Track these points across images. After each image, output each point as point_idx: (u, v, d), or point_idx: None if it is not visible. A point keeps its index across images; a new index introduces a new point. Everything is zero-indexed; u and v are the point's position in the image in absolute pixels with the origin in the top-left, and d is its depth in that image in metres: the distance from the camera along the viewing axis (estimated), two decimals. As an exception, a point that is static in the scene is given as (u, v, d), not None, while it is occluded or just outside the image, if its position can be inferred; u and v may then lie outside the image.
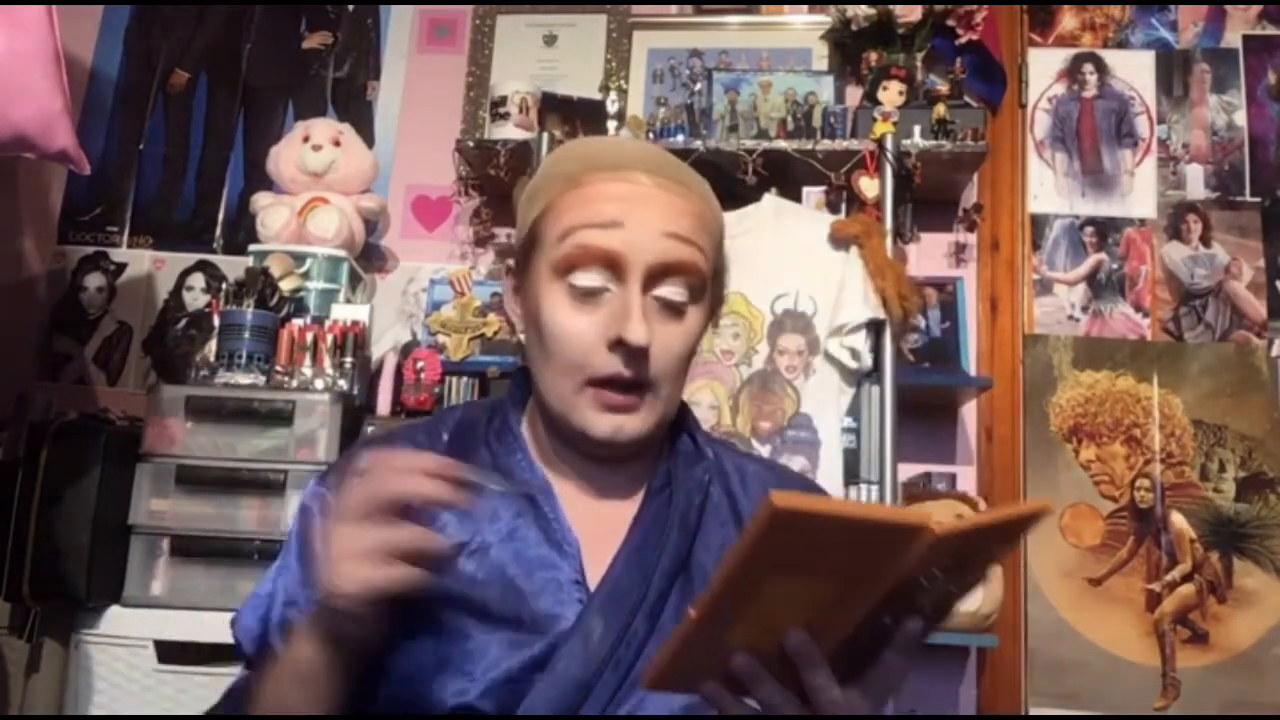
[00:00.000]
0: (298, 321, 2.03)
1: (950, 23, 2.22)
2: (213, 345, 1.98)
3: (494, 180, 2.17)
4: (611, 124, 2.16)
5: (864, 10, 2.21)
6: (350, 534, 0.65)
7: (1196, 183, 2.25)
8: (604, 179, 0.80)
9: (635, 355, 0.76)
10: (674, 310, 0.79)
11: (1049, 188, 2.29)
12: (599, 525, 0.81)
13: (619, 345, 0.76)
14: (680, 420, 0.89)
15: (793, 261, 1.93)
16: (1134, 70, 2.32)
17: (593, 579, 0.78)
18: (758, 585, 0.58)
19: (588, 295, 0.77)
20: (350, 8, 2.58)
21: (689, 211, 0.81)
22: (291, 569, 0.83)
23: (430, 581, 0.66)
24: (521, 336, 0.86)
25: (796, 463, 1.86)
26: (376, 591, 0.64)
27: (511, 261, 0.87)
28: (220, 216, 2.49)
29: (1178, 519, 2.09)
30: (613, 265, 0.77)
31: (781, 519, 0.53)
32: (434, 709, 0.73)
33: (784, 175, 2.06)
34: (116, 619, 1.82)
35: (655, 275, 0.78)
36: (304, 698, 0.71)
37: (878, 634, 0.63)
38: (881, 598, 0.60)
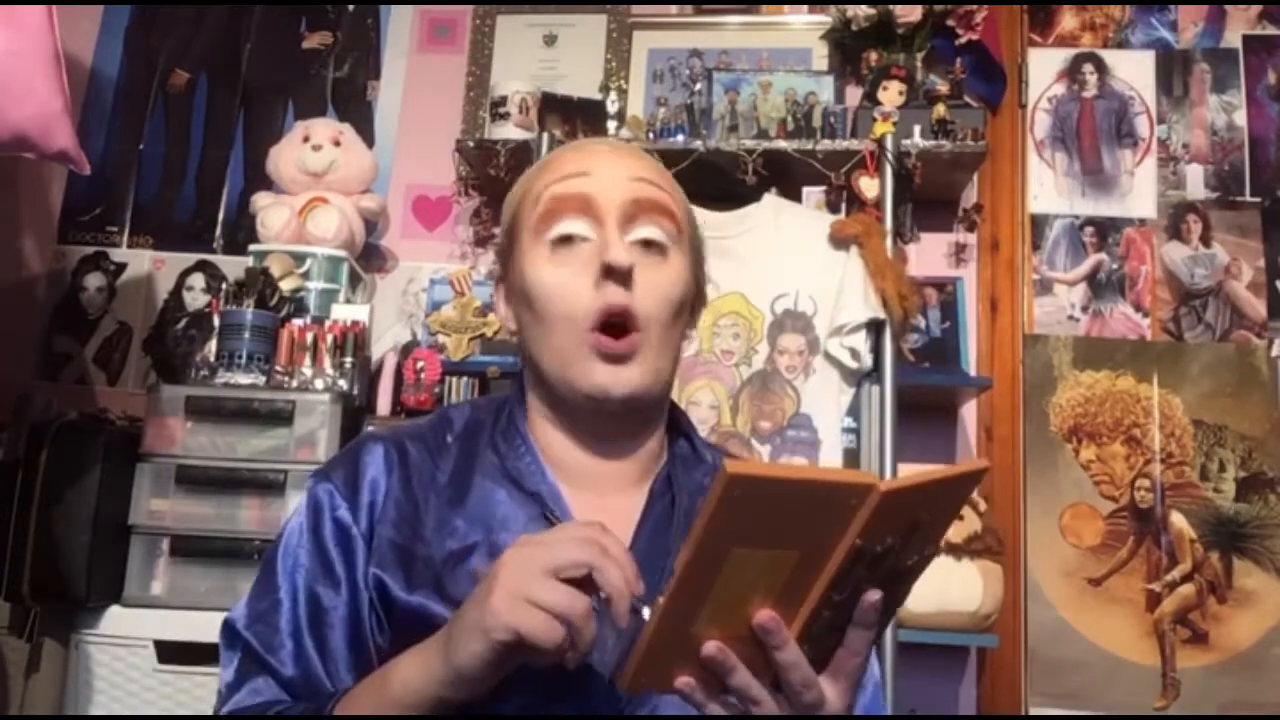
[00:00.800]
0: (298, 321, 2.03)
1: (950, 23, 2.22)
2: (213, 345, 1.98)
3: (494, 180, 2.17)
4: (611, 124, 2.17)
5: (864, 10, 2.21)
6: (541, 580, 0.63)
7: (1196, 183, 2.25)
8: (568, 152, 0.85)
9: (622, 280, 0.78)
10: (656, 249, 0.81)
11: (1049, 188, 2.29)
12: None
13: (605, 275, 0.77)
14: (678, 424, 0.90)
15: (793, 261, 1.93)
16: (1134, 70, 2.32)
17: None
18: (721, 560, 0.59)
19: (566, 242, 0.79)
20: (350, 8, 2.58)
21: (652, 166, 0.85)
22: (306, 567, 0.80)
23: (555, 658, 0.64)
24: (515, 337, 0.87)
25: (796, 463, 1.86)
26: (529, 637, 0.62)
27: (498, 268, 0.89)
28: (220, 216, 2.49)
29: (1178, 519, 2.10)
30: (586, 210, 0.79)
31: (737, 485, 0.55)
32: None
33: (784, 175, 2.06)
34: (116, 619, 1.82)
35: (629, 215, 0.80)
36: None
37: (840, 613, 0.64)
38: (839, 568, 0.61)
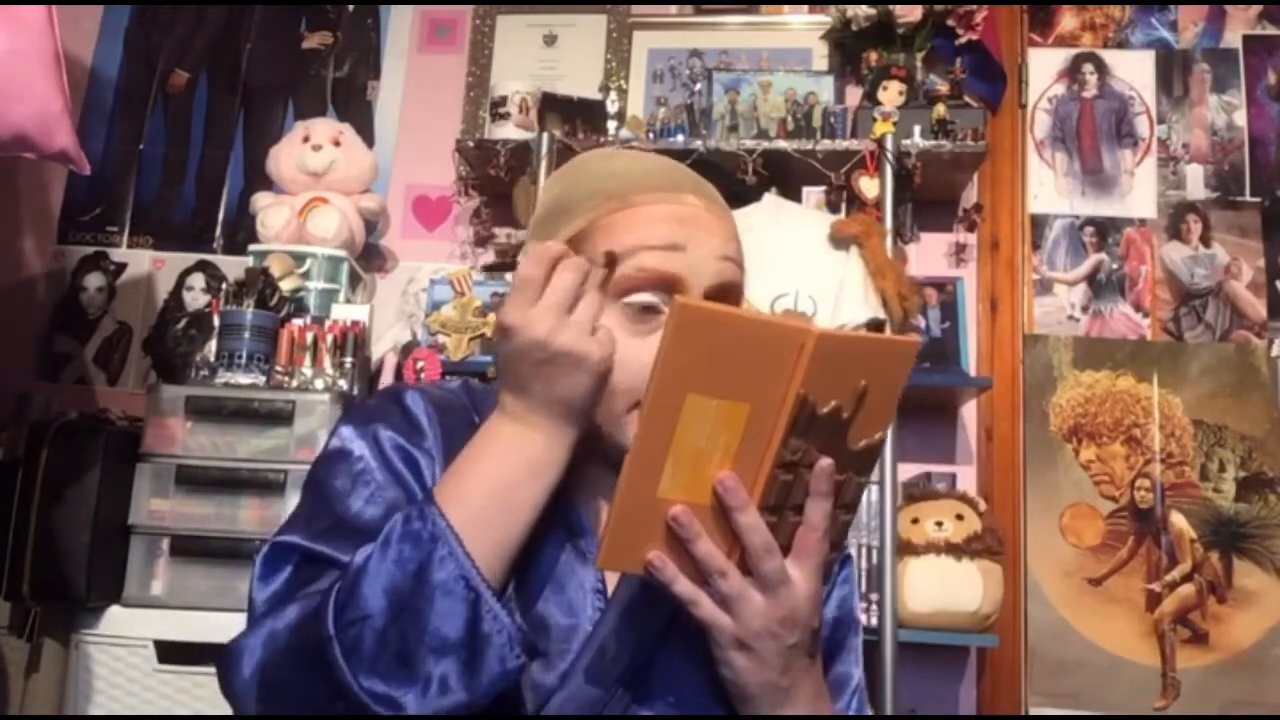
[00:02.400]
0: (298, 321, 2.03)
1: (950, 23, 2.22)
2: (213, 345, 1.98)
3: (494, 180, 2.17)
4: (611, 124, 2.17)
5: (864, 10, 2.21)
6: (574, 311, 0.69)
7: (1196, 183, 2.25)
8: (656, 199, 0.78)
9: None
10: None
11: (1049, 188, 2.29)
12: None
13: None
14: None
15: (793, 261, 1.93)
16: (1134, 70, 2.32)
17: (609, 583, 0.78)
18: (678, 406, 0.63)
19: (644, 313, 0.74)
20: (350, 8, 2.58)
21: (734, 235, 0.82)
22: (390, 483, 0.75)
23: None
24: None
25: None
26: (610, 360, 0.69)
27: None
28: (220, 216, 2.49)
29: (1178, 519, 2.10)
30: (671, 287, 0.75)
31: (687, 316, 0.61)
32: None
33: (784, 175, 2.06)
34: (116, 619, 1.82)
35: (710, 297, 0.76)
36: (539, 492, 0.70)
37: (798, 486, 0.66)
38: (788, 422, 0.63)
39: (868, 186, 1.98)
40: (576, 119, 2.16)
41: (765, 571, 0.66)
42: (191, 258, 2.47)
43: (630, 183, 0.79)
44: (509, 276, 2.12)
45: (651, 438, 0.63)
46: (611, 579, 0.77)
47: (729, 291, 0.78)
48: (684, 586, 0.67)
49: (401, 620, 0.64)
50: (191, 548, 1.84)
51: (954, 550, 1.82)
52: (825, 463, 0.66)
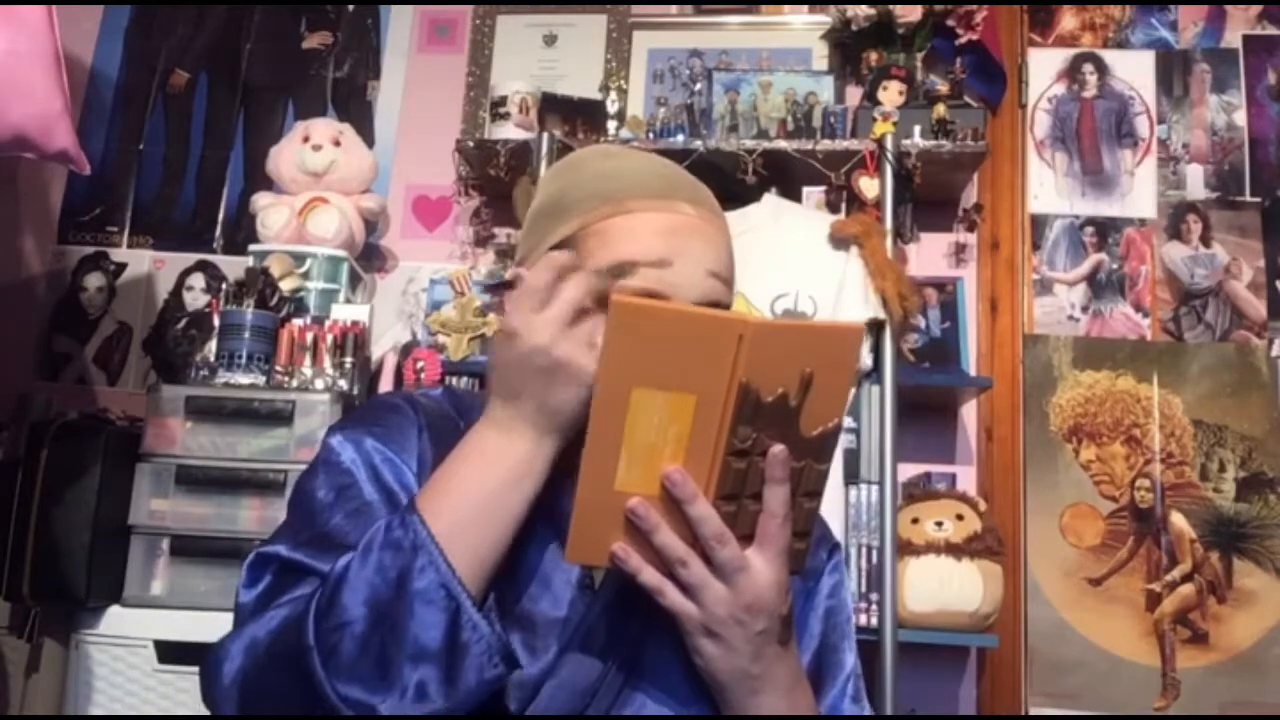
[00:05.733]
0: (298, 321, 2.03)
1: (950, 23, 2.22)
2: (213, 345, 1.98)
3: (494, 180, 2.17)
4: (611, 124, 2.17)
5: (864, 10, 2.21)
6: (576, 325, 0.69)
7: (1196, 183, 2.25)
8: (650, 207, 0.77)
9: None
10: None
11: (1049, 188, 2.29)
12: None
13: None
14: None
15: (793, 261, 1.93)
16: (1134, 70, 2.32)
17: (596, 576, 0.79)
18: (625, 400, 0.65)
19: None
20: (350, 8, 2.58)
21: (725, 246, 0.81)
22: (375, 494, 0.76)
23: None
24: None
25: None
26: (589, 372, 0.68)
27: (517, 269, 0.84)
28: (220, 216, 2.49)
29: (1178, 519, 2.10)
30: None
31: (624, 313, 0.63)
32: None
33: (784, 175, 2.06)
34: (116, 619, 1.82)
35: None
36: (521, 498, 0.70)
37: (753, 474, 0.68)
38: (734, 410, 0.65)
39: (868, 186, 1.98)
40: (576, 119, 2.16)
41: (721, 560, 0.67)
42: (191, 258, 2.47)
43: (626, 186, 0.79)
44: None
45: (603, 432, 0.66)
46: (598, 571, 0.78)
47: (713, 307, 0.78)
48: (649, 576, 0.68)
49: (381, 628, 0.65)
50: (191, 548, 1.84)
51: (954, 550, 1.82)
52: (778, 449, 0.67)
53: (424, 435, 0.80)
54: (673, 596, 0.69)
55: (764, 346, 0.65)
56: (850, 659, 0.87)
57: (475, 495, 0.69)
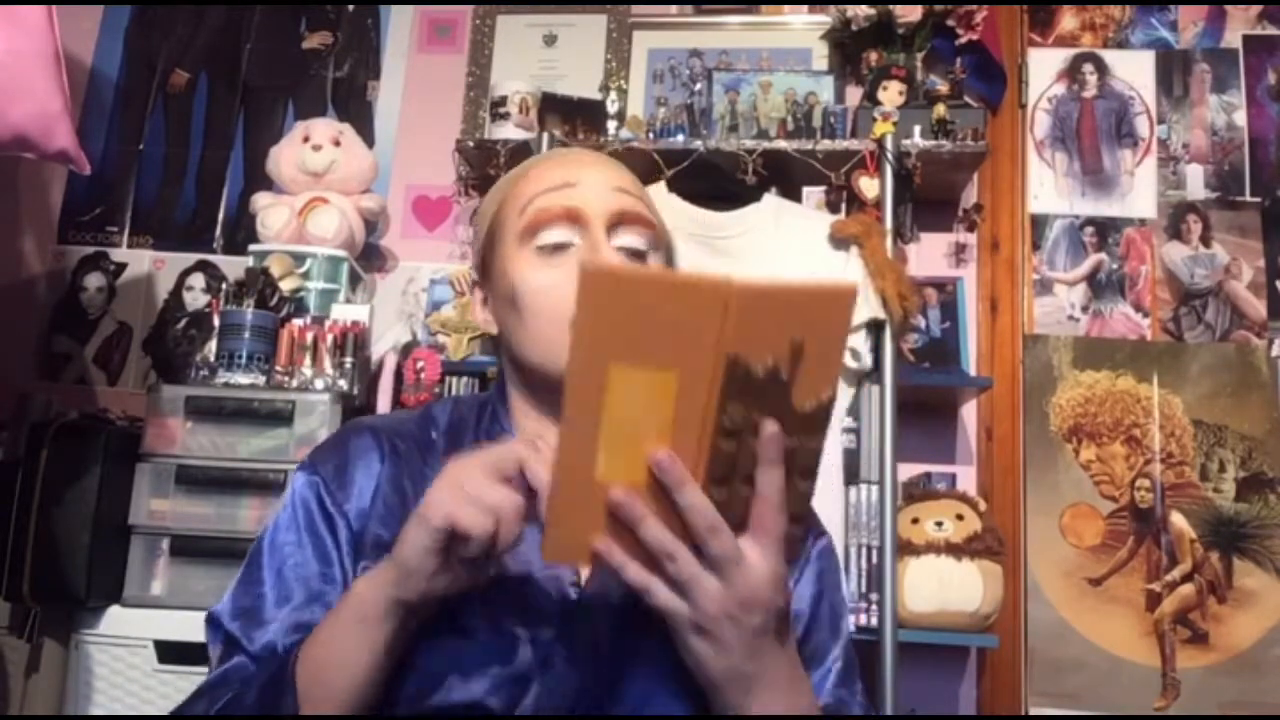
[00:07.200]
0: (298, 321, 2.03)
1: (950, 23, 2.22)
2: (213, 345, 1.98)
3: (494, 180, 2.15)
4: (611, 124, 2.16)
5: (864, 10, 2.21)
6: (479, 476, 0.66)
7: (1196, 183, 2.25)
8: (549, 161, 0.88)
9: None
10: (637, 257, 0.84)
11: (1049, 188, 2.29)
12: None
13: None
14: None
15: (793, 262, 1.93)
16: (1134, 70, 2.32)
17: (584, 575, 0.79)
18: (602, 380, 0.59)
19: (555, 250, 0.81)
20: (350, 8, 2.58)
21: (630, 177, 0.88)
22: (295, 561, 0.82)
23: (489, 564, 0.69)
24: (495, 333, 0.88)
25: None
26: (460, 524, 0.64)
27: (476, 275, 0.91)
28: (220, 216, 2.49)
29: (1178, 519, 2.10)
30: (574, 219, 0.82)
31: (594, 281, 0.58)
32: (445, 706, 0.73)
33: (784, 175, 2.06)
34: (116, 619, 1.82)
35: (614, 224, 0.83)
36: (363, 639, 0.71)
37: (744, 456, 0.62)
38: (721, 386, 0.60)
39: (868, 186, 1.98)
40: (576, 119, 2.16)
41: (714, 553, 0.63)
42: (191, 258, 2.47)
43: (528, 164, 0.90)
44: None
45: (579, 416, 0.60)
46: (585, 568, 0.78)
47: (630, 219, 0.83)
48: (635, 573, 0.65)
49: None
50: (191, 548, 1.84)
51: (954, 550, 1.82)
52: (771, 428, 0.62)
53: (384, 467, 0.84)
54: (661, 595, 0.65)
55: (751, 312, 0.59)
56: (836, 647, 0.85)
57: (328, 640, 0.73)
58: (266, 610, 0.80)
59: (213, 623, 0.82)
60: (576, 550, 0.64)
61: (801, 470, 0.64)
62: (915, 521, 1.87)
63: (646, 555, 0.64)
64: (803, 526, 0.68)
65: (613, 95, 2.20)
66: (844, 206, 2.04)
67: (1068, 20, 2.37)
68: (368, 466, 0.84)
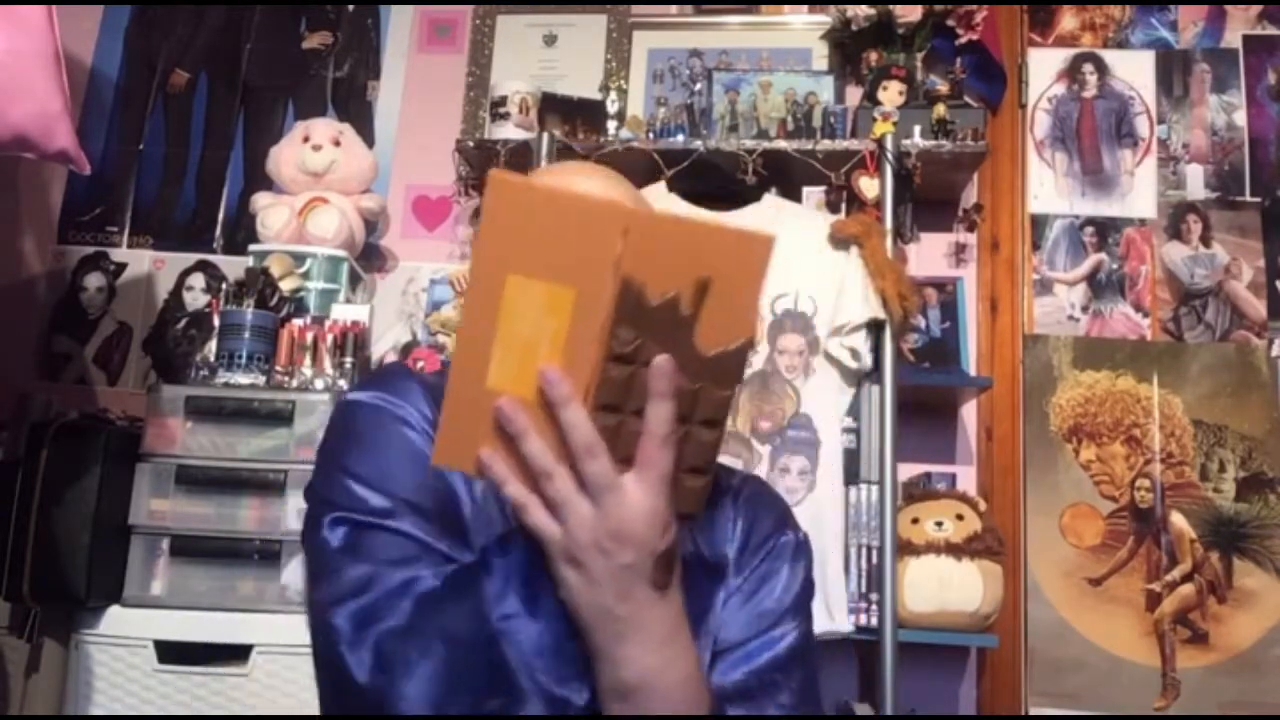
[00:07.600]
0: (298, 321, 2.03)
1: (950, 23, 2.22)
2: (213, 345, 1.98)
3: (494, 180, 2.17)
4: (611, 124, 2.17)
5: (864, 10, 2.21)
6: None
7: (1196, 183, 2.25)
8: (549, 174, 0.91)
9: None
10: None
11: (1049, 188, 2.29)
12: None
13: None
14: None
15: (793, 262, 1.93)
16: (1134, 70, 2.32)
17: None
18: (499, 286, 0.60)
19: None
20: (350, 8, 2.58)
21: (628, 190, 0.87)
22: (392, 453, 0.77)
23: None
24: None
25: (796, 463, 1.86)
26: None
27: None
28: (220, 216, 2.49)
29: (1178, 519, 2.09)
30: None
31: (501, 189, 0.59)
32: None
33: (784, 175, 2.06)
34: (116, 619, 1.82)
35: None
36: None
37: (638, 388, 0.62)
38: (615, 308, 0.60)
39: (868, 186, 1.98)
40: (576, 119, 2.16)
41: (589, 473, 0.61)
42: (191, 258, 2.47)
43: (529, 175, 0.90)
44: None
45: (476, 321, 0.61)
46: None
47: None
48: (514, 489, 0.63)
49: None
50: (191, 548, 1.83)
51: (954, 550, 1.82)
52: (662, 359, 0.61)
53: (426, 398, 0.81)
54: (536, 514, 0.63)
55: (651, 240, 0.59)
56: (790, 638, 0.81)
57: None
58: (414, 486, 0.76)
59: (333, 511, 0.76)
60: (465, 457, 0.64)
61: (704, 419, 0.63)
62: (915, 521, 1.87)
63: (528, 472, 0.63)
64: (704, 479, 0.66)
65: (613, 95, 2.20)
66: (844, 206, 2.04)
67: (1068, 20, 2.37)
68: (423, 410, 0.80)
